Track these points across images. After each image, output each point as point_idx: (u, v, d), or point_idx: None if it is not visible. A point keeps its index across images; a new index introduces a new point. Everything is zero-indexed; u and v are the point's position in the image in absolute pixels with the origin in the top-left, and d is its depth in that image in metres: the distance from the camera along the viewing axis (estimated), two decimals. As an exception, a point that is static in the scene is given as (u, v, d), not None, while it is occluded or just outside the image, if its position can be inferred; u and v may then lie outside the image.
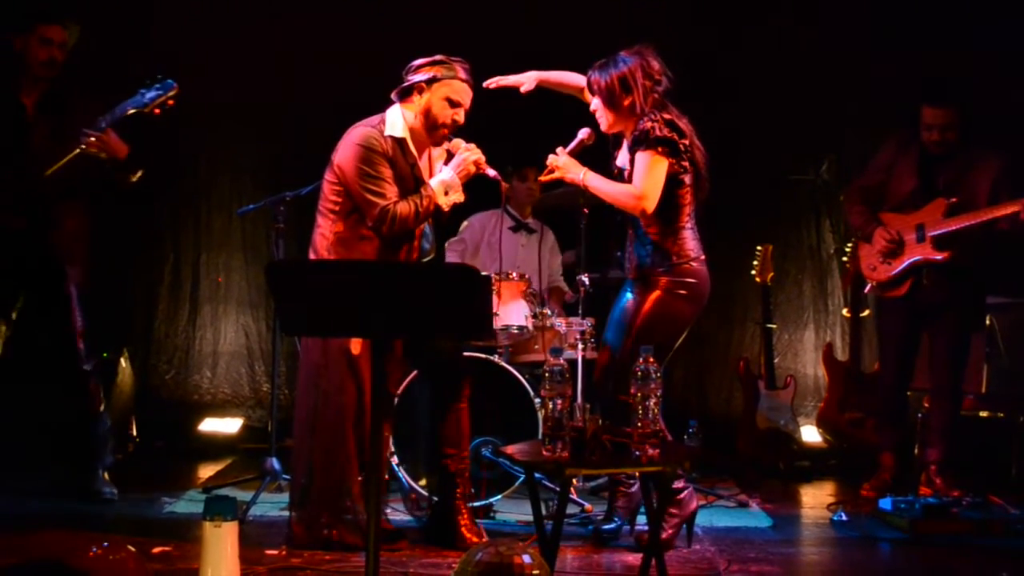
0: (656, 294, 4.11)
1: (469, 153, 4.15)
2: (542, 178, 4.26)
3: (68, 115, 4.66)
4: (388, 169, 4.05)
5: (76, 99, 4.71)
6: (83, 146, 4.53)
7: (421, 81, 4.09)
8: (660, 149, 4.00)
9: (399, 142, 4.11)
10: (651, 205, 4.03)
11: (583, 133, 4.28)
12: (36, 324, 4.79)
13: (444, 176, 4.14)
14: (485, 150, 4.20)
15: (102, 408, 4.93)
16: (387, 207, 4.00)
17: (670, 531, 4.12)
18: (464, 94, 4.13)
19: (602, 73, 4.12)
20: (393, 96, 4.16)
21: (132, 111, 4.55)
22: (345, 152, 4.07)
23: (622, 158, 4.23)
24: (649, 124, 4.02)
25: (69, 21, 4.72)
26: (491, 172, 4.22)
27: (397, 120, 4.12)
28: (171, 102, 4.56)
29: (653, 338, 3.89)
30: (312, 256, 4.17)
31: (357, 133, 4.09)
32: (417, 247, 4.28)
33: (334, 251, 4.10)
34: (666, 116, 4.05)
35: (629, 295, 4.28)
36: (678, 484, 4.12)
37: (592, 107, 4.19)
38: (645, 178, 4.02)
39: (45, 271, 4.70)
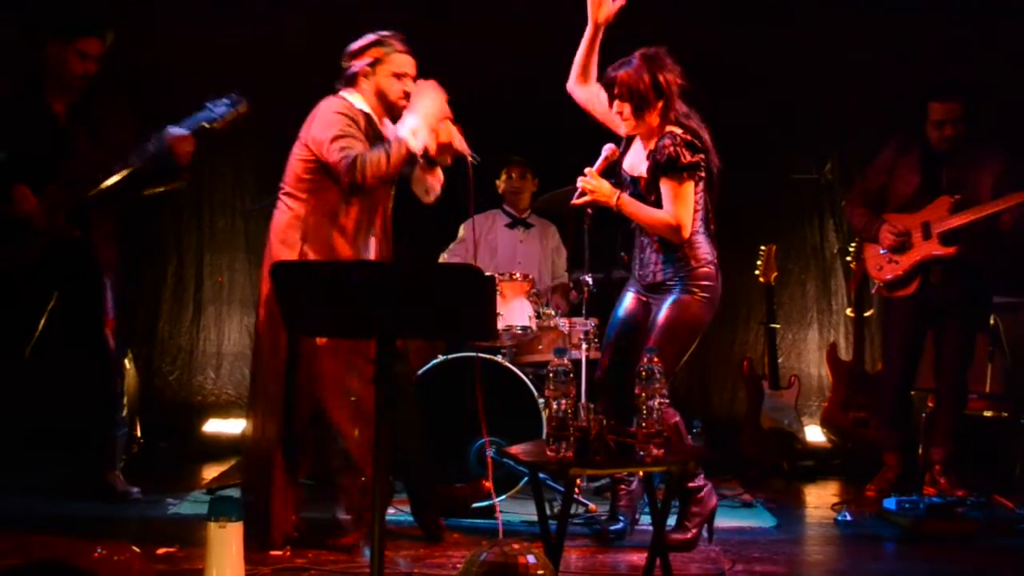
0: (674, 299, 4.09)
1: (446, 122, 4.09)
2: (574, 202, 4.13)
3: (101, 122, 4.63)
4: (360, 132, 4.02)
5: (107, 106, 4.67)
6: (168, 141, 4.43)
7: (365, 66, 4.10)
8: (686, 175, 4.00)
9: (367, 116, 4.10)
10: (687, 232, 4.04)
11: (607, 150, 4.21)
12: (68, 319, 4.77)
13: (408, 122, 4.04)
14: (477, 145, 4.18)
15: (124, 412, 4.95)
16: (357, 155, 3.91)
17: (694, 531, 4.12)
18: (408, 64, 4.13)
19: (635, 72, 4.01)
20: (337, 85, 4.13)
21: (207, 125, 4.49)
22: (318, 120, 4.04)
23: (630, 161, 4.21)
24: (673, 150, 3.98)
25: (106, 31, 4.63)
26: (464, 147, 4.11)
27: (356, 101, 4.11)
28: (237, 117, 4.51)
29: (673, 343, 3.89)
30: (270, 236, 4.09)
31: (328, 104, 4.08)
32: (379, 252, 4.17)
33: (291, 232, 4.02)
34: (687, 136, 4.01)
35: (633, 296, 4.27)
36: (697, 482, 4.12)
37: (615, 109, 4.10)
38: (678, 207, 4.01)
39: (84, 269, 4.69)
